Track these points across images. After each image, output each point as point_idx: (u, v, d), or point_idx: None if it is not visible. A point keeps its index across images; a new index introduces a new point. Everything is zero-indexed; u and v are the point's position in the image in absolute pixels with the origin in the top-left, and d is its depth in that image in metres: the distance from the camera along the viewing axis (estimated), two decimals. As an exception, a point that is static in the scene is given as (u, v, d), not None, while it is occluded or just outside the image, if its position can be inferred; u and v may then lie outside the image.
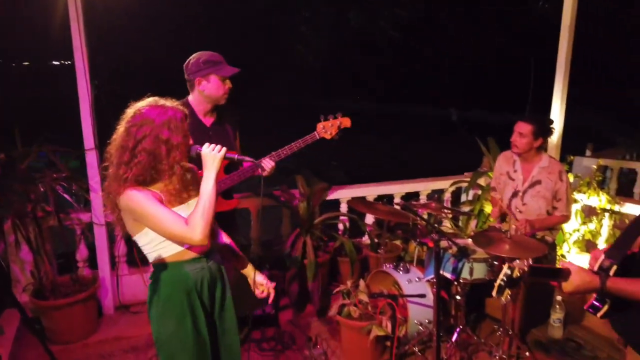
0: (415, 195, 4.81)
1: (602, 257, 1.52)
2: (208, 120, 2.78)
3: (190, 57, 2.69)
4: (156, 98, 1.90)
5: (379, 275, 3.45)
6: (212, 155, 1.87)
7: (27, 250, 3.48)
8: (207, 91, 2.67)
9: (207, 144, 1.90)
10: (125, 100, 1.90)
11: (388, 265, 3.43)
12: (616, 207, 4.01)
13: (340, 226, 4.42)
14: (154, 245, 1.87)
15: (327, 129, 2.83)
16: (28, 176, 3.22)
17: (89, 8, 3.46)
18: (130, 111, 1.85)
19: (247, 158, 2.11)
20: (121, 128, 1.84)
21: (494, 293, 1.55)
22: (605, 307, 1.52)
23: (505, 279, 1.54)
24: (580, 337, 3.43)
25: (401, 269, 3.34)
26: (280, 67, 24.78)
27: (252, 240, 4.26)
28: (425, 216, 3.94)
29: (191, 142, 1.92)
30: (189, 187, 1.95)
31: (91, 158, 3.48)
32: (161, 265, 1.91)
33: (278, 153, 2.78)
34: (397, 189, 4.71)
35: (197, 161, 1.93)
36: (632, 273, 1.45)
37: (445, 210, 3.49)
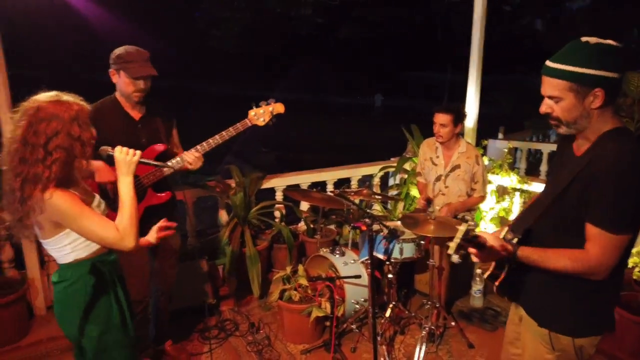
0: (347, 180, 5.03)
1: (506, 229, 1.75)
2: (137, 114, 2.75)
3: (116, 49, 2.65)
4: (57, 92, 1.79)
5: (316, 259, 3.61)
6: (126, 161, 1.85)
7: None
8: (118, 85, 2.66)
9: (119, 147, 1.87)
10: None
11: (324, 250, 3.60)
12: (525, 186, 4.45)
13: (277, 214, 4.53)
14: (74, 246, 1.83)
15: (259, 115, 2.86)
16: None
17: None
18: (30, 105, 1.72)
19: (160, 163, 2.09)
20: (22, 122, 1.70)
21: (450, 251, 1.59)
22: (502, 275, 1.75)
23: (462, 238, 1.57)
24: (497, 305, 3.83)
25: (337, 252, 3.52)
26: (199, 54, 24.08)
27: (188, 231, 4.27)
28: (357, 202, 4.18)
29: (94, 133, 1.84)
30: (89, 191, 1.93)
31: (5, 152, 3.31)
32: (79, 264, 1.86)
33: (208, 142, 2.77)
34: (330, 176, 4.89)
35: (108, 160, 1.91)
36: (531, 245, 1.69)
37: (376, 196, 3.71)
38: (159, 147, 2.73)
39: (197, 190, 4.17)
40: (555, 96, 1.58)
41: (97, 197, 1.95)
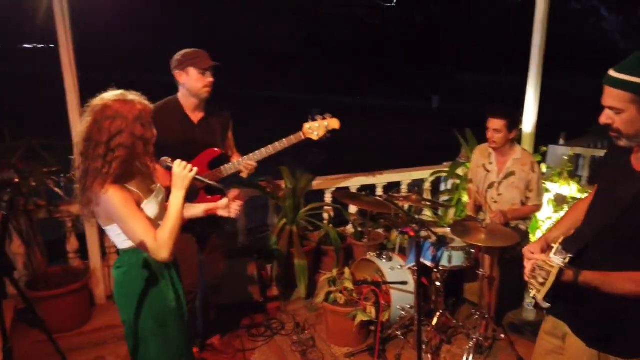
0: (397, 184, 4.99)
1: (556, 247, 1.66)
2: (196, 117, 2.84)
3: (175, 55, 2.76)
4: (123, 91, 1.87)
5: (363, 263, 3.61)
6: (182, 175, 1.88)
7: (20, 243, 3.54)
8: (187, 84, 2.73)
9: (178, 161, 1.91)
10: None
11: (371, 254, 3.59)
12: (585, 196, 4.23)
13: (325, 215, 4.56)
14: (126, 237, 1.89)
15: (313, 129, 2.92)
16: (19, 170, 3.26)
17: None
18: (97, 103, 1.81)
19: (218, 185, 2.12)
20: (88, 118, 1.80)
21: (539, 297, 1.48)
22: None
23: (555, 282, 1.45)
24: (551, 318, 3.67)
25: (384, 257, 3.50)
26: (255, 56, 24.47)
27: (239, 230, 4.39)
28: (406, 207, 4.13)
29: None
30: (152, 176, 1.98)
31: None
32: (134, 250, 1.92)
33: (261, 152, 2.87)
34: (380, 179, 4.86)
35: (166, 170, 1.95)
36: (585, 263, 1.60)
37: (424, 202, 3.66)
38: (215, 151, 2.83)
39: (249, 190, 4.26)
40: (616, 107, 1.50)
41: (159, 185, 2.02)
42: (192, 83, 2.72)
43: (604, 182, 1.81)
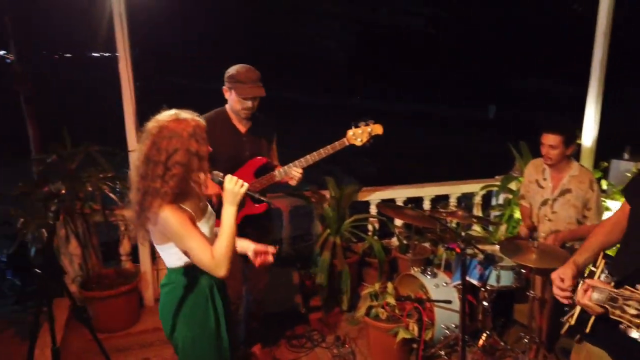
0: (445, 197, 4.85)
1: (599, 270, 1.54)
2: (243, 127, 2.92)
3: (231, 67, 2.83)
4: (175, 111, 1.91)
5: (407, 278, 3.53)
6: (233, 191, 1.88)
7: (76, 244, 3.73)
8: (230, 102, 2.84)
9: (229, 176, 1.91)
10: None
11: (416, 269, 3.50)
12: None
13: (370, 227, 4.51)
14: (181, 255, 1.90)
15: (357, 135, 2.92)
16: (76, 176, 3.43)
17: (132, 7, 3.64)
18: (153, 125, 1.86)
19: (264, 199, 2.13)
20: (147, 141, 1.85)
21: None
22: (592, 320, 1.58)
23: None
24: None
25: (429, 273, 3.41)
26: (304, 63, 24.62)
27: (283, 239, 4.41)
28: (454, 222, 4.00)
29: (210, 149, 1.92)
30: (205, 204, 2.03)
31: (133, 158, 3.68)
32: (182, 269, 1.96)
33: (306, 159, 2.89)
34: (428, 192, 4.75)
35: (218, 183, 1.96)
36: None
37: (471, 219, 3.53)
38: (261, 160, 2.90)
39: (293, 199, 4.29)
40: None
41: (209, 209, 2.05)
42: (234, 103, 2.83)
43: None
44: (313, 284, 4.00)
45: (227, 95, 2.85)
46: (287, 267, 3.83)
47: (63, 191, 2.09)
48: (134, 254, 4.08)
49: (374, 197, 4.54)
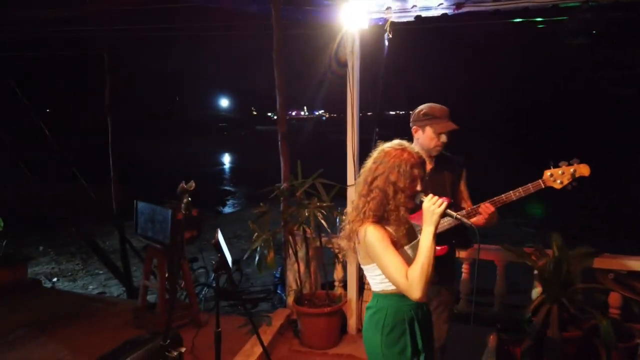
0: None
1: None
2: (427, 166, 2.86)
3: (418, 107, 2.87)
4: (402, 141, 2.01)
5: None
6: (431, 210, 1.87)
7: (301, 264, 4.26)
8: (420, 140, 2.80)
9: (430, 195, 1.92)
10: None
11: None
12: None
13: (612, 302, 3.65)
14: (383, 278, 1.96)
15: (556, 177, 2.57)
16: (301, 202, 3.98)
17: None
18: (377, 149, 2.03)
19: (466, 221, 2.02)
20: (368, 164, 2.03)
21: None
22: None
23: None
24: None
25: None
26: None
27: (494, 297, 4.02)
28: None
29: (419, 188, 1.96)
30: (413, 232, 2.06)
31: (350, 192, 4.03)
32: (385, 295, 2.01)
33: (493, 201, 2.66)
34: None
35: (420, 205, 1.96)
36: None
37: None
38: (450, 211, 2.77)
39: (508, 254, 3.88)
40: None
41: (419, 238, 1.99)
42: (426, 141, 2.79)
43: None
44: (519, 352, 3.48)
45: (417, 134, 2.83)
46: (485, 326, 3.45)
47: (192, 188, 2.45)
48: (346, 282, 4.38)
49: (616, 266, 3.67)
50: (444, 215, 1.88)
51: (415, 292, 1.78)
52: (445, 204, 1.86)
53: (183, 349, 2.65)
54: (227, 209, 14.86)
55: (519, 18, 4.57)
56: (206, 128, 45.24)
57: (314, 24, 4.74)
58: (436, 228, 1.85)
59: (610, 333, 3.24)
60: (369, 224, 1.90)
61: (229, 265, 2.54)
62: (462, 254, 3.95)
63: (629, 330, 3.53)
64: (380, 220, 1.92)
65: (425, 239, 1.84)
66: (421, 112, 2.82)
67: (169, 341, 2.25)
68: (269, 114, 64.32)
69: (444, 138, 2.75)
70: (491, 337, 3.48)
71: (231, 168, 24.44)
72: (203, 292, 7.13)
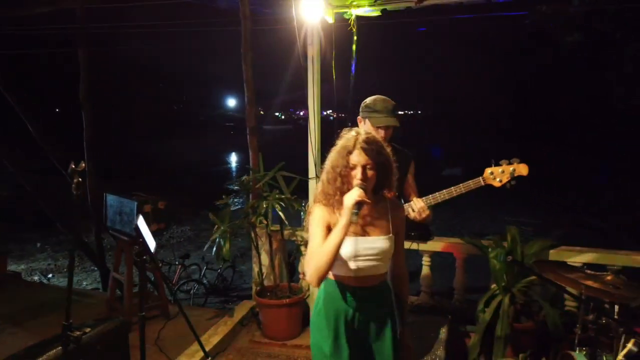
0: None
1: None
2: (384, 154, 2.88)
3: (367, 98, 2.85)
4: (357, 129, 1.99)
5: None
6: (345, 201, 1.81)
7: (265, 257, 4.30)
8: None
9: (354, 189, 1.84)
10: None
11: (581, 351, 2.67)
12: None
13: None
14: None
15: (496, 175, 2.62)
16: (260, 194, 4.02)
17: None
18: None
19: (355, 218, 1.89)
20: None
21: None
22: None
23: None
24: None
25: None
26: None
27: (455, 290, 4.02)
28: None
29: (358, 176, 1.86)
30: (371, 222, 1.96)
31: (311, 185, 4.05)
32: (326, 280, 1.96)
33: (434, 196, 2.69)
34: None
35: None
36: None
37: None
38: (363, 199, 2.76)
39: (469, 247, 3.88)
40: None
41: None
42: None
43: None
44: (468, 343, 3.49)
45: (360, 124, 2.84)
46: (434, 316, 3.45)
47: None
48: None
49: (573, 258, 3.66)
50: (358, 207, 1.78)
51: (308, 275, 1.75)
52: (360, 192, 1.78)
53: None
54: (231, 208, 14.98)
55: (483, 12, 4.56)
56: (213, 127, 45.35)
57: (284, 18, 4.75)
58: (348, 220, 1.76)
59: (558, 324, 3.24)
60: (316, 206, 1.91)
61: (150, 250, 2.58)
62: (421, 246, 3.95)
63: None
64: (328, 202, 1.90)
65: (335, 230, 1.78)
66: (365, 104, 2.82)
67: (71, 321, 2.29)
68: (277, 113, 64.73)
69: (381, 133, 2.68)
70: (442, 328, 3.49)
71: (237, 168, 24.56)
72: (193, 289, 7.24)
